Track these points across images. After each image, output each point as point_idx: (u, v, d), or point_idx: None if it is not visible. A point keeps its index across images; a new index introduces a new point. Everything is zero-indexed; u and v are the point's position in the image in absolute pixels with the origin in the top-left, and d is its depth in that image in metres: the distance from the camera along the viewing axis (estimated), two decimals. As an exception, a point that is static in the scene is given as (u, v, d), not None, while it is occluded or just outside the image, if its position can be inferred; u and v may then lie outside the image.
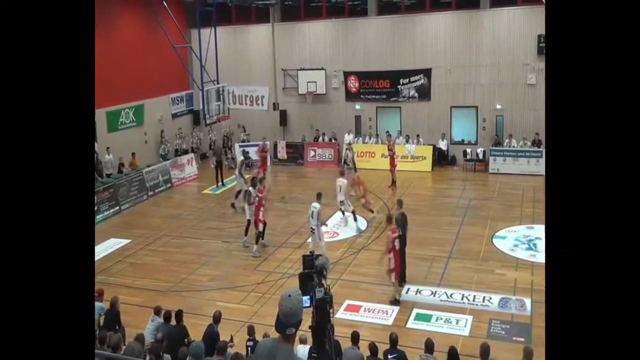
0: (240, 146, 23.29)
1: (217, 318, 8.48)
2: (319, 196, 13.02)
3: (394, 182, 18.81)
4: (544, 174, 19.31)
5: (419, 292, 11.13)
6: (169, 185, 20.22)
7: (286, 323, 3.26)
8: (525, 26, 20.71)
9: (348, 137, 22.30)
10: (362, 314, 10.49)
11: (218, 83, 19.71)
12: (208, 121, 18.70)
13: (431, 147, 21.46)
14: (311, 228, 12.74)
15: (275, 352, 3.31)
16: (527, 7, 20.83)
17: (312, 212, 12.64)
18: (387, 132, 21.46)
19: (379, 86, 22.84)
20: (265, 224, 13.97)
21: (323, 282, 6.79)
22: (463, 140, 22.05)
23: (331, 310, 6.15)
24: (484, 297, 10.69)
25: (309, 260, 6.44)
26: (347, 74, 23.17)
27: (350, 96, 23.27)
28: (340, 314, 10.35)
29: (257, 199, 13.71)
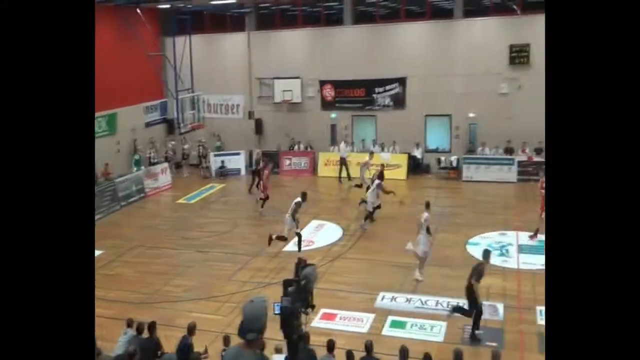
0: (216, 155, 23.17)
1: (191, 329, 8.38)
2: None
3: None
4: (515, 181, 19.75)
5: (394, 300, 11.19)
6: (142, 195, 19.96)
7: (247, 328, 3.30)
8: (498, 36, 21.14)
9: (343, 147, 22.02)
10: (337, 322, 10.49)
11: (192, 91, 19.62)
12: (182, 130, 18.58)
13: (406, 155, 21.67)
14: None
15: (239, 358, 3.34)
16: (499, 17, 21.31)
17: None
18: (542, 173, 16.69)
19: (354, 95, 23.01)
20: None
21: (297, 291, 6.77)
22: (437, 149, 22.33)
23: (297, 322, 6.13)
24: (457, 303, 10.78)
25: (297, 268, 6.47)
26: (322, 83, 23.28)
27: (325, 105, 23.38)
28: (316, 322, 10.33)
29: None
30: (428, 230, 12.09)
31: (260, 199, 17.33)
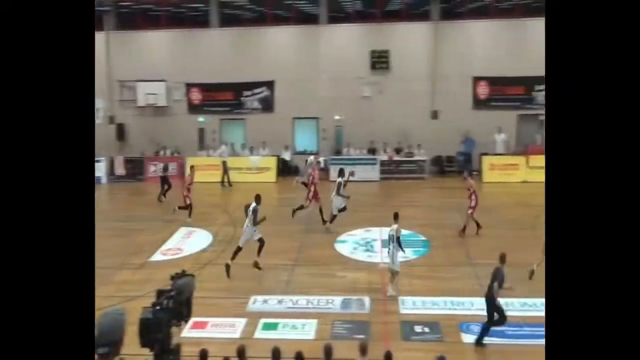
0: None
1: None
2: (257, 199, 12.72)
3: (477, 225, 14.73)
4: (378, 179, 20.88)
5: (266, 302, 11.20)
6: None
7: (99, 342, 3.11)
8: (360, 42, 22.23)
9: (224, 150, 21.63)
10: (209, 329, 10.22)
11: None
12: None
13: (275, 158, 21.88)
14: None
15: None
16: (361, 24, 22.44)
17: (248, 210, 12.48)
18: (467, 171, 16.65)
19: (223, 98, 22.77)
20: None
21: (166, 302, 6.48)
22: (306, 151, 22.87)
23: (163, 334, 5.88)
24: (327, 300, 11.09)
25: (173, 279, 6.15)
26: (189, 86, 22.69)
27: (193, 108, 22.81)
28: (186, 332, 9.97)
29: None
30: (399, 241, 11.25)
31: (180, 207, 16.28)
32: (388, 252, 11.32)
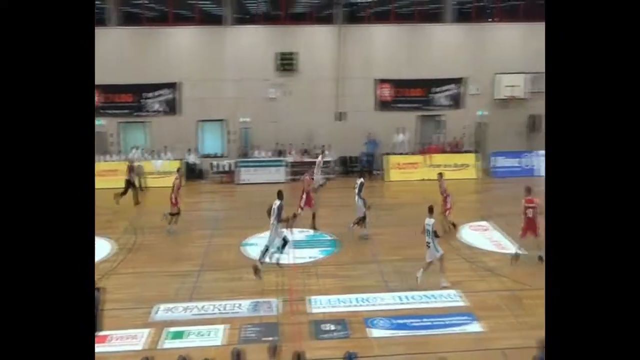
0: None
1: None
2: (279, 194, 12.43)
3: (454, 225, 15.20)
4: (284, 181, 20.98)
5: (171, 310, 10.85)
6: None
7: None
8: (265, 44, 22.19)
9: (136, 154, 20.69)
10: (111, 343, 9.73)
11: None
12: None
13: (179, 161, 21.26)
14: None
15: None
16: (267, 26, 22.41)
17: (273, 208, 12.09)
18: (439, 175, 15.97)
19: (122, 100, 21.80)
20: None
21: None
22: (214, 154, 22.50)
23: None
24: (234, 305, 10.95)
25: None
26: (84, 87, 21.47)
27: (89, 111, 21.61)
28: (85, 348, 9.41)
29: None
30: (436, 234, 11.35)
31: (171, 214, 15.28)
32: (428, 246, 11.36)
